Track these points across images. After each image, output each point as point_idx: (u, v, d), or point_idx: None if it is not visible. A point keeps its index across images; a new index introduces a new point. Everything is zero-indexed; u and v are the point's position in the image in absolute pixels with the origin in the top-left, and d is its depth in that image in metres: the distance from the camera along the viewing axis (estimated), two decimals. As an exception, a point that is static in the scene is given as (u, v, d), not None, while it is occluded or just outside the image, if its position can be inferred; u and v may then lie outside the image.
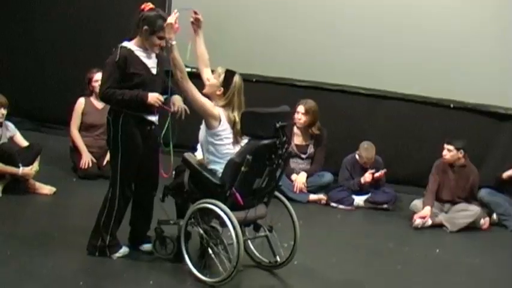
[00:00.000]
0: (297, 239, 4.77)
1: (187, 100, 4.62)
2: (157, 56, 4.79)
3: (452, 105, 7.49)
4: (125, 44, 4.65)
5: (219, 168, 4.56)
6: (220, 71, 4.65)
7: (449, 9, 7.33)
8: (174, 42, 4.45)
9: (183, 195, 4.73)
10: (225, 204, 4.44)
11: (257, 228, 4.82)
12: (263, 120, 4.52)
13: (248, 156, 4.39)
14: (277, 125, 4.50)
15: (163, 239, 4.88)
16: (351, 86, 7.68)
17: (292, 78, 7.78)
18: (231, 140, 4.60)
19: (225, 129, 4.57)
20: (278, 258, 4.84)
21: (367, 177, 6.84)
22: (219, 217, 4.46)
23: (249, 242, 4.95)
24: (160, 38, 4.61)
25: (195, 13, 4.82)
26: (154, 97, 4.58)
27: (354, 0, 7.54)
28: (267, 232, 4.82)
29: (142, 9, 4.64)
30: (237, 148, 4.60)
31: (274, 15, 7.73)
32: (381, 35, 7.47)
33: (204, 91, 4.69)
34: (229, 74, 4.62)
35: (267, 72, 7.80)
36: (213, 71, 4.78)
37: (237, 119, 4.58)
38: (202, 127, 4.63)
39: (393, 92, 7.59)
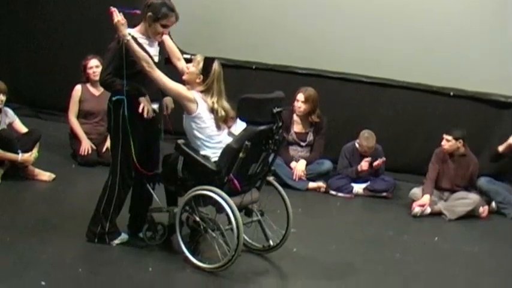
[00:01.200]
0: (290, 222, 4.79)
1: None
2: (159, 44, 4.77)
3: (452, 93, 7.48)
4: (128, 30, 4.63)
5: (211, 153, 4.57)
6: (199, 58, 4.65)
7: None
8: (128, 37, 4.44)
9: (177, 182, 4.70)
10: (222, 190, 4.44)
11: (249, 213, 4.85)
12: (260, 106, 4.54)
13: (247, 143, 4.40)
14: (274, 111, 4.53)
15: (155, 226, 4.86)
16: (351, 73, 7.66)
17: (292, 66, 7.77)
18: (214, 124, 4.60)
19: (204, 112, 4.57)
20: (271, 242, 4.87)
21: (363, 165, 6.83)
22: (215, 203, 4.47)
23: None
24: (164, 26, 4.59)
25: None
26: (145, 103, 4.58)
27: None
28: (259, 217, 4.85)
29: None
30: (221, 132, 4.63)
31: (275, 2, 7.71)
32: (382, 23, 7.45)
33: (184, 78, 4.71)
34: (208, 61, 4.62)
35: (267, 60, 7.79)
36: (188, 61, 4.77)
37: (216, 106, 4.59)
38: (185, 116, 4.63)
39: (393, 80, 7.59)
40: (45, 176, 6.16)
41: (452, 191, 6.64)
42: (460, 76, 7.41)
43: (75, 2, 8.31)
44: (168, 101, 4.92)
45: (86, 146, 6.76)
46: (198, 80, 4.61)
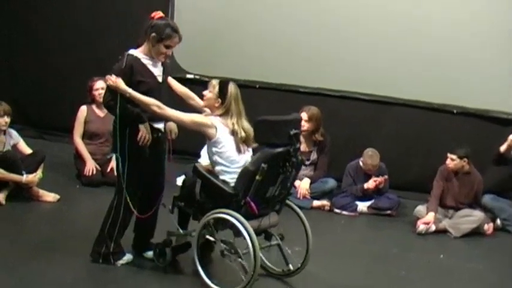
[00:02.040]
0: (310, 246, 4.75)
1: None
2: (162, 64, 4.79)
3: (455, 111, 7.48)
4: (132, 51, 4.66)
5: (229, 177, 4.54)
6: (215, 82, 4.66)
7: (452, 16, 7.32)
8: (129, 91, 4.48)
9: (194, 205, 4.69)
10: (239, 213, 4.40)
11: (268, 237, 4.77)
12: (277, 128, 4.49)
13: (263, 165, 4.35)
14: (291, 133, 4.49)
15: (166, 248, 4.82)
16: (354, 92, 7.67)
17: (295, 85, 7.78)
18: (234, 147, 4.59)
19: (224, 135, 4.56)
20: (291, 267, 4.81)
21: (370, 183, 6.84)
22: (232, 226, 4.42)
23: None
24: (167, 47, 4.62)
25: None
26: (144, 131, 4.59)
27: (357, 8, 7.52)
28: (279, 241, 4.78)
29: (152, 17, 4.65)
30: (242, 156, 4.60)
31: (277, 22, 7.73)
32: (384, 42, 7.47)
33: (203, 105, 4.75)
34: (223, 84, 4.62)
35: (270, 79, 7.81)
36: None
37: (236, 127, 4.58)
38: (207, 143, 4.62)
39: (396, 98, 7.59)
40: (50, 197, 6.17)
41: (457, 209, 6.62)
42: (463, 94, 7.42)
43: (80, 25, 8.34)
44: (172, 126, 4.93)
45: (91, 166, 6.77)
46: (216, 104, 4.61)
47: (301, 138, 6.94)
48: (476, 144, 6.90)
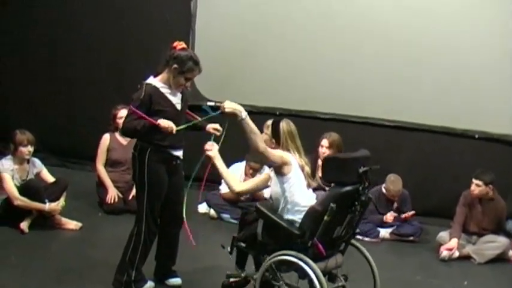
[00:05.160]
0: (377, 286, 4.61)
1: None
2: (181, 92, 4.81)
3: (477, 136, 7.45)
4: (150, 80, 4.68)
5: (298, 217, 4.37)
6: (269, 123, 4.58)
7: (471, 40, 7.32)
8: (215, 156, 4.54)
9: (256, 246, 4.53)
10: (305, 255, 4.24)
11: (332, 278, 4.62)
12: (346, 166, 4.34)
13: (332, 205, 4.16)
14: (361, 170, 4.33)
15: None
16: (374, 118, 7.68)
17: (315, 111, 7.79)
18: (304, 183, 4.48)
19: (297, 171, 4.44)
20: None
21: (388, 218, 6.84)
22: (298, 269, 4.28)
23: None
24: (187, 79, 4.64)
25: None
26: (165, 122, 4.53)
27: (375, 35, 7.55)
28: (343, 282, 4.63)
29: (175, 47, 4.65)
30: (308, 193, 4.50)
31: (297, 48, 7.77)
32: (405, 68, 7.48)
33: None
34: (275, 123, 4.53)
35: (290, 105, 7.82)
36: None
37: (302, 162, 4.48)
38: (275, 180, 4.48)
39: (417, 123, 7.58)
40: (72, 224, 6.20)
41: (480, 235, 6.56)
42: (484, 119, 7.39)
43: (102, 53, 8.44)
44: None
45: (113, 194, 6.80)
46: (272, 146, 4.50)
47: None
48: (498, 169, 6.85)
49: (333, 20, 7.66)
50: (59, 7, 8.48)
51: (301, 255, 4.22)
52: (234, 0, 7.93)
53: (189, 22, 7.94)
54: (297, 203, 4.40)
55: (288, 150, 4.49)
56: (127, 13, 8.31)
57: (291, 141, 4.51)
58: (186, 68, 4.59)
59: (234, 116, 4.32)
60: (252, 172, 6.90)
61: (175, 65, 4.59)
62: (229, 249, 4.67)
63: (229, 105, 4.33)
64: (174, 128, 4.54)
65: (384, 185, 6.91)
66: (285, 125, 4.52)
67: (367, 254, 4.63)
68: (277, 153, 4.43)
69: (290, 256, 4.26)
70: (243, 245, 4.61)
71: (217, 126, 4.86)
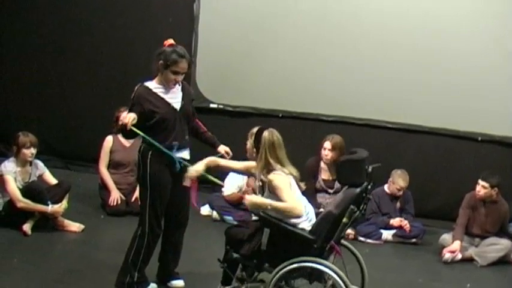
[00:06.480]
0: (366, 283, 4.67)
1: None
2: (183, 90, 4.79)
3: (479, 138, 7.44)
4: (146, 82, 4.69)
5: (308, 224, 4.35)
6: (254, 130, 4.49)
7: (473, 42, 7.32)
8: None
9: (258, 257, 4.37)
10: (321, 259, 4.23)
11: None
12: (359, 167, 4.37)
13: (352, 206, 4.19)
14: (369, 170, 4.36)
15: None
16: (376, 120, 7.67)
17: (317, 113, 7.79)
18: (300, 191, 4.44)
19: (294, 183, 4.39)
20: None
21: (395, 223, 6.83)
22: (311, 275, 4.26)
23: None
24: (175, 73, 4.60)
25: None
26: (127, 116, 4.52)
27: (377, 38, 7.53)
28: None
29: (164, 45, 4.67)
30: (303, 197, 4.45)
31: (299, 51, 7.77)
32: (408, 69, 7.47)
33: (248, 156, 4.57)
34: (259, 132, 4.41)
35: (292, 108, 7.82)
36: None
37: (289, 171, 4.38)
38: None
39: (419, 125, 7.57)
40: (75, 226, 6.20)
41: (483, 237, 6.55)
42: (487, 121, 7.38)
43: (104, 56, 8.45)
44: (224, 148, 4.92)
45: (115, 196, 6.80)
46: (254, 154, 4.43)
47: (325, 167, 6.99)
48: (500, 172, 6.83)
49: (335, 22, 7.65)
50: (62, 9, 8.48)
51: (321, 260, 4.22)
52: (236, 3, 7.92)
53: (192, 24, 7.94)
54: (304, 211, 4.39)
55: (267, 161, 4.34)
56: (130, 16, 8.31)
57: (271, 151, 4.35)
58: (170, 61, 4.56)
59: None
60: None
61: (160, 61, 4.60)
62: (222, 264, 4.55)
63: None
64: (129, 124, 4.48)
65: (386, 184, 6.91)
66: (267, 135, 4.37)
67: (357, 253, 4.73)
68: (294, 197, 4.34)
69: (311, 263, 4.21)
70: (238, 256, 4.46)
71: (228, 150, 4.92)
